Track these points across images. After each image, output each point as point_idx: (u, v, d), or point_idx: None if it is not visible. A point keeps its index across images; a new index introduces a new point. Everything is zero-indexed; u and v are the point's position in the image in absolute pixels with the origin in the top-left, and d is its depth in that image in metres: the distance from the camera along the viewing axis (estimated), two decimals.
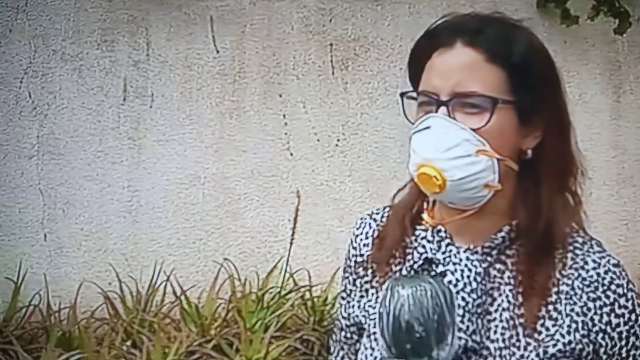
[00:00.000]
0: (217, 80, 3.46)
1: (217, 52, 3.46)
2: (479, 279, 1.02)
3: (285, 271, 3.30)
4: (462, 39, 1.01)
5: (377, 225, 1.14)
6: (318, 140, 3.50)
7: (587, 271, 1.03)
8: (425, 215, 1.05)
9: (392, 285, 0.95)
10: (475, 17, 1.04)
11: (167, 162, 3.41)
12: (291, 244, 3.38)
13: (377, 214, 1.16)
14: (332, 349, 1.22)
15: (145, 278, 3.28)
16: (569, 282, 1.03)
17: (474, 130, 0.98)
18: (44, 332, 3.06)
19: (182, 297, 3.15)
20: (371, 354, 1.07)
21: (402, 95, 1.06)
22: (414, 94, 1.04)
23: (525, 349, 1.01)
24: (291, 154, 3.49)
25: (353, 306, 1.14)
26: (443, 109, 0.99)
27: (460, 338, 0.99)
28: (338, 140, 3.51)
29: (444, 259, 1.04)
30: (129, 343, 2.91)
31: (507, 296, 1.03)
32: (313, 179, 3.49)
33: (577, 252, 1.05)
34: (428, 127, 0.99)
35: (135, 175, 3.40)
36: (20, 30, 3.37)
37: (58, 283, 3.30)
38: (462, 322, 1.00)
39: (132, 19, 3.43)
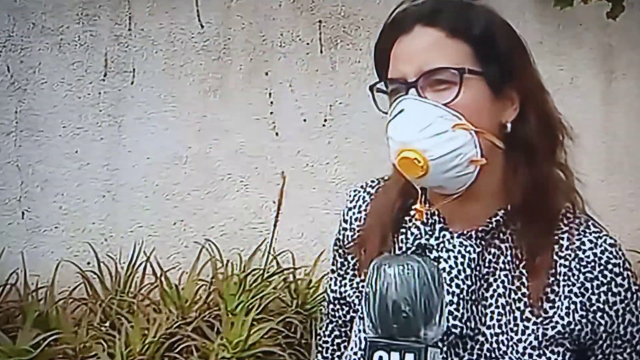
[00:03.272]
0: (201, 56, 3.40)
1: (202, 27, 3.40)
2: (473, 264, 1.02)
3: (269, 253, 3.26)
4: (421, 22, 1.01)
5: (371, 198, 1.13)
6: (304, 120, 3.45)
7: (584, 251, 1.03)
8: (418, 206, 1.03)
9: (379, 265, 0.92)
10: (429, 1, 1.04)
11: (148, 140, 3.36)
12: (275, 226, 3.34)
13: (372, 187, 1.15)
14: (322, 322, 1.22)
15: (124, 258, 3.24)
16: (567, 263, 1.03)
17: (445, 104, 0.97)
18: (20, 311, 3.02)
19: (162, 278, 3.11)
20: (365, 338, 1.04)
21: (371, 88, 1.05)
22: (384, 87, 1.04)
23: (523, 332, 1.01)
24: (276, 134, 3.44)
25: (345, 284, 1.14)
26: (412, 90, 0.99)
27: (455, 326, 0.99)
28: (325, 120, 3.46)
29: (438, 244, 1.04)
30: (107, 324, 2.87)
31: (502, 281, 1.03)
32: (299, 160, 3.44)
33: (574, 232, 1.04)
34: (402, 111, 0.98)
35: (115, 153, 3.34)
36: None
37: (35, 262, 3.25)
38: (457, 309, 1.00)
39: None
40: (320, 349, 1.22)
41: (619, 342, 1.03)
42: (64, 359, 2.76)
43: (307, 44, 3.44)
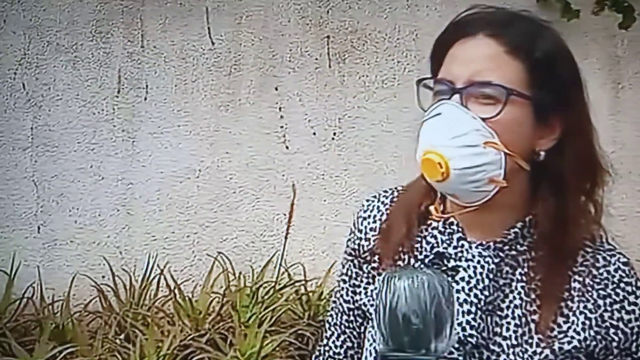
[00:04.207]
0: (213, 72, 3.43)
1: (213, 43, 3.43)
2: (491, 275, 1.02)
3: (280, 265, 3.28)
4: (486, 31, 1.00)
5: (386, 208, 1.12)
6: (314, 133, 3.47)
7: (598, 269, 1.04)
8: (432, 208, 1.04)
9: (389, 277, 0.93)
10: (501, 11, 1.04)
11: (161, 154, 3.39)
12: (286, 238, 3.36)
13: (386, 197, 1.13)
14: (327, 333, 1.20)
15: (139, 271, 3.26)
16: (581, 279, 1.04)
17: (484, 119, 0.97)
18: (37, 324, 3.05)
19: (176, 291, 3.13)
20: (376, 348, 1.06)
21: (418, 82, 1.04)
22: (431, 83, 1.03)
23: (537, 345, 1.01)
24: (287, 148, 3.46)
25: (360, 293, 1.12)
26: (456, 96, 0.98)
27: (472, 336, 0.99)
28: (334, 133, 3.48)
29: (456, 254, 1.04)
30: (122, 337, 2.89)
31: (519, 293, 1.03)
32: (309, 173, 3.46)
33: (588, 249, 1.05)
34: (439, 114, 0.98)
35: (129, 168, 3.37)
36: (15, 21, 3.35)
37: (51, 275, 3.28)
38: (474, 319, 1.01)
39: (127, 10, 3.40)
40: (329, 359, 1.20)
41: (629, 359, 1.04)
42: None
43: (316, 58, 3.47)
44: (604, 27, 3.49)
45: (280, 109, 3.46)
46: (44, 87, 3.36)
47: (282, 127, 3.46)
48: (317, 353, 1.22)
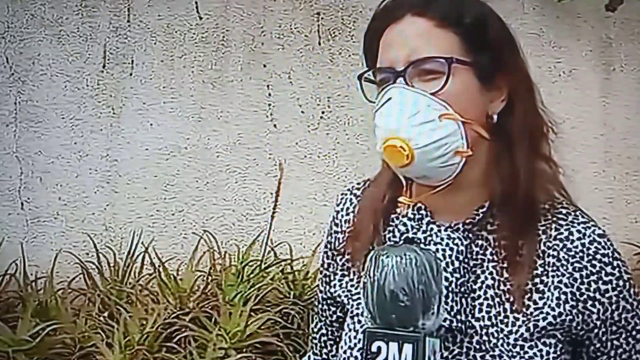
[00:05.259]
0: (200, 48, 3.39)
1: (200, 18, 3.39)
2: (461, 257, 1.02)
3: (266, 244, 3.27)
4: (412, 11, 1.01)
5: (358, 200, 1.13)
6: (302, 112, 3.45)
7: (572, 242, 1.02)
8: (402, 198, 1.03)
9: (377, 255, 0.93)
10: None
11: (147, 131, 3.36)
12: (273, 217, 3.34)
13: (358, 189, 1.16)
14: (314, 320, 1.24)
15: (123, 249, 3.24)
16: (555, 253, 1.02)
17: (433, 94, 0.97)
18: (20, 301, 3.03)
19: (161, 269, 3.11)
20: (355, 336, 1.06)
21: (359, 77, 1.05)
22: (373, 77, 1.04)
23: (513, 324, 1.00)
24: (275, 126, 3.44)
25: (335, 285, 1.14)
26: (400, 79, 0.99)
27: (444, 319, 0.98)
28: (323, 112, 3.46)
29: (425, 238, 1.03)
30: (106, 314, 2.88)
31: (490, 273, 1.02)
32: (297, 152, 3.44)
33: (562, 222, 1.04)
34: (389, 99, 0.98)
35: (114, 144, 3.34)
36: None
37: (35, 252, 3.26)
38: (446, 302, 0.99)
39: None
40: (311, 344, 1.25)
41: (614, 327, 1.03)
42: (63, 349, 2.76)
43: (306, 35, 3.44)
44: (597, 8, 3.47)
45: (268, 86, 3.43)
46: (28, 62, 3.31)
47: (270, 105, 3.43)
48: None
